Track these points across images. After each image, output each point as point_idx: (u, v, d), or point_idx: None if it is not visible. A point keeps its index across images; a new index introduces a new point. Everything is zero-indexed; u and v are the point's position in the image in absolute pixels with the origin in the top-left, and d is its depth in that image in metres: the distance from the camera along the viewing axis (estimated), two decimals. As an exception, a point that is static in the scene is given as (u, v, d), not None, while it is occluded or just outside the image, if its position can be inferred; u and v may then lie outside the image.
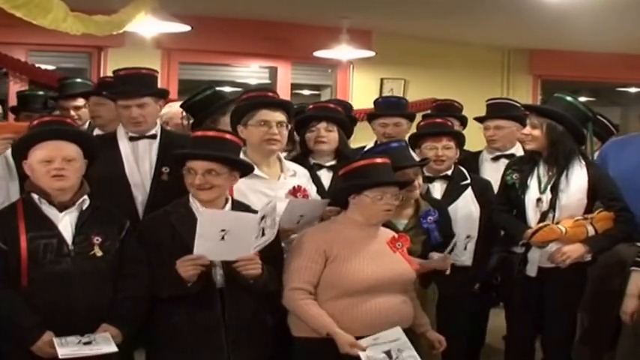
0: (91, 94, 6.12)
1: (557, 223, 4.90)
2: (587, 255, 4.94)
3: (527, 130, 5.04)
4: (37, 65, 8.17)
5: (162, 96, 4.89)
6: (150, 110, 4.71)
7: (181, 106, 5.82)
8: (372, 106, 6.58)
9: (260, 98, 4.60)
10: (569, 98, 5.05)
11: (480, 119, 6.35)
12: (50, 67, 8.42)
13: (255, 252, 3.93)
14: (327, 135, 5.11)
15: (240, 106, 4.64)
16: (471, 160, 6.04)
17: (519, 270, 5.02)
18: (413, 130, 5.84)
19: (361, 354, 3.87)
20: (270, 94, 4.69)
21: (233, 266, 3.92)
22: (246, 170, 4.24)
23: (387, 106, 6.25)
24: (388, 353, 3.90)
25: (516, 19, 8.37)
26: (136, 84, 4.71)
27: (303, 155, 5.21)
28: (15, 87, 7.88)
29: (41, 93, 7.09)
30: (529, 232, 4.93)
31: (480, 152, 6.28)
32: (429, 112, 6.78)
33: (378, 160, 4.22)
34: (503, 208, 5.18)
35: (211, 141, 4.10)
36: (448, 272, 4.67)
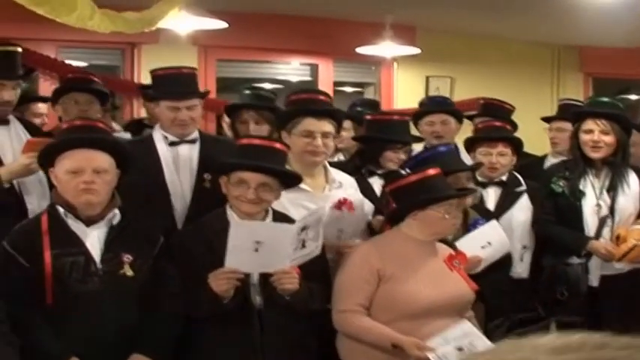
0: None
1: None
2: None
3: (597, 136, 4.94)
4: (67, 62, 7.92)
5: (205, 98, 4.73)
6: (198, 113, 4.53)
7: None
8: (417, 105, 6.30)
9: (307, 104, 4.32)
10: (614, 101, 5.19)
11: (547, 119, 6.16)
12: (82, 64, 8.21)
13: (292, 265, 3.69)
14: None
15: (285, 112, 4.41)
16: (534, 165, 5.79)
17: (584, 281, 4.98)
18: (464, 132, 5.71)
19: (430, 355, 3.63)
20: (322, 97, 4.41)
21: (269, 280, 3.68)
22: (294, 184, 4.01)
23: (434, 104, 5.99)
24: (460, 348, 3.68)
25: (565, 16, 8.12)
26: (184, 85, 4.51)
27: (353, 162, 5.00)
28: (45, 84, 7.63)
29: None
30: (617, 255, 4.84)
31: (545, 156, 6.05)
32: (474, 112, 6.44)
33: (432, 172, 3.94)
34: (550, 219, 5.08)
35: (263, 151, 3.86)
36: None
